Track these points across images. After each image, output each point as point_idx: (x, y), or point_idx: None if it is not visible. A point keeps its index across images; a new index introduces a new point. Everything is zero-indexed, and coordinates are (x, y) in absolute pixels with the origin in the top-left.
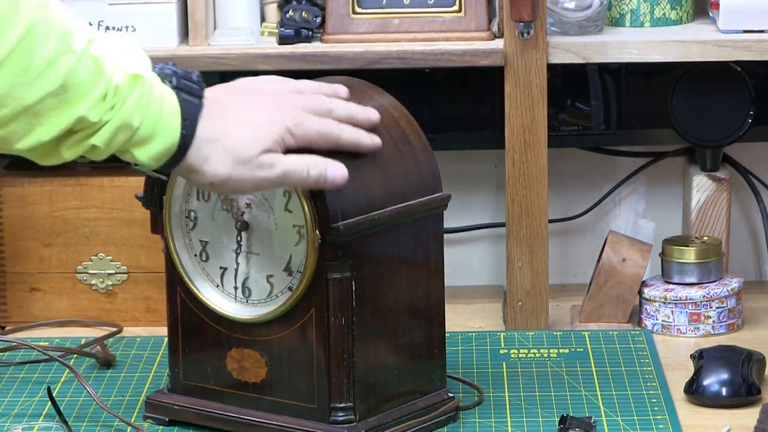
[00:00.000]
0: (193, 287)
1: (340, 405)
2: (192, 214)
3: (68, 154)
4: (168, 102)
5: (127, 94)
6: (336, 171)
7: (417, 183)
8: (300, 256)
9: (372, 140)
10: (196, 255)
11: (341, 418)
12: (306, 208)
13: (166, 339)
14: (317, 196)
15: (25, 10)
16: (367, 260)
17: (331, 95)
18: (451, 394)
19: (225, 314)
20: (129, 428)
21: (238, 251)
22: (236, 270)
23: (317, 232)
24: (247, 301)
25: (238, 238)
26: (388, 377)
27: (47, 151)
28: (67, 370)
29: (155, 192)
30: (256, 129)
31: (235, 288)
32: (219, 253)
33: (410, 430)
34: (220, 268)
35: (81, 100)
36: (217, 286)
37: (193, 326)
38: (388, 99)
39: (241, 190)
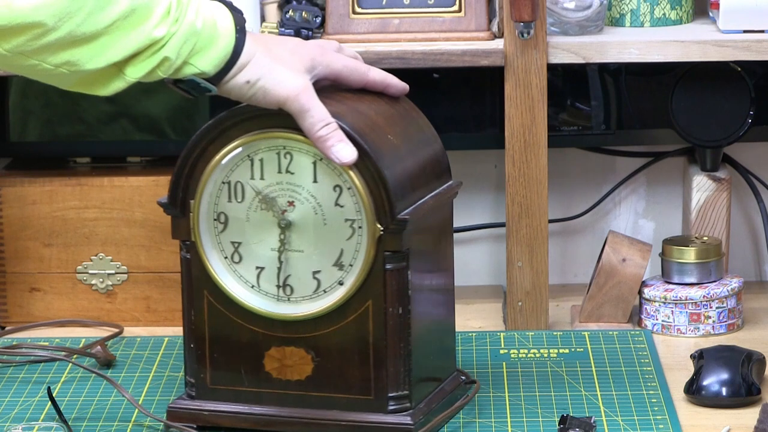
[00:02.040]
0: (226, 290)
1: (397, 394)
2: (222, 216)
3: (135, 71)
4: (219, 7)
5: (187, 3)
6: (343, 150)
7: (439, 170)
8: (351, 249)
9: (401, 83)
10: (226, 257)
11: (398, 407)
12: (366, 202)
13: (167, 339)
14: (380, 189)
15: None
16: (414, 249)
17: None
18: (463, 377)
19: (264, 314)
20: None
21: (282, 249)
22: (279, 269)
23: (378, 224)
24: (288, 299)
25: (282, 236)
26: (427, 362)
27: (112, 73)
28: (67, 370)
29: (179, 197)
30: (290, 48)
31: (278, 287)
32: (255, 253)
33: (448, 411)
34: (257, 268)
35: (147, 20)
36: (252, 286)
37: (223, 330)
38: None
39: (270, 101)
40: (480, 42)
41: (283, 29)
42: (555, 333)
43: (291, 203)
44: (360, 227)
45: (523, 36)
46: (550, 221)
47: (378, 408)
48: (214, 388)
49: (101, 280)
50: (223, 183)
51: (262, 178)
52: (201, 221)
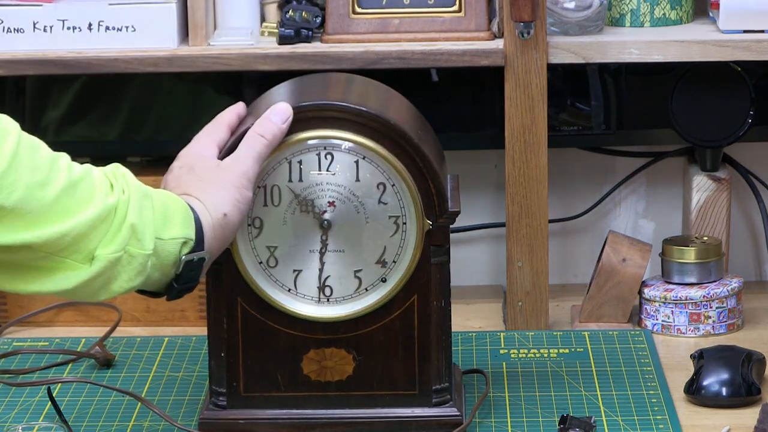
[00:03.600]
0: (263, 295)
1: (439, 387)
2: (257, 221)
3: (106, 250)
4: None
5: (123, 176)
6: (277, 110)
7: (444, 161)
8: (395, 246)
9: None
10: (261, 262)
11: (441, 400)
12: (415, 198)
13: (167, 339)
14: (428, 183)
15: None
16: (449, 243)
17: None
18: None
19: (304, 317)
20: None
21: (323, 250)
22: (320, 270)
23: (427, 219)
24: (328, 300)
25: (323, 237)
26: (452, 352)
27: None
28: (67, 369)
29: None
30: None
31: (318, 288)
32: (292, 257)
33: (478, 401)
34: (294, 271)
35: (93, 191)
36: (290, 290)
37: (259, 336)
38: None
39: (245, 202)
40: (480, 42)
41: (283, 29)
42: (555, 333)
43: (331, 203)
44: (405, 223)
45: (523, 36)
46: (550, 221)
47: (422, 402)
48: (248, 395)
49: None
50: (259, 187)
51: (300, 180)
52: None
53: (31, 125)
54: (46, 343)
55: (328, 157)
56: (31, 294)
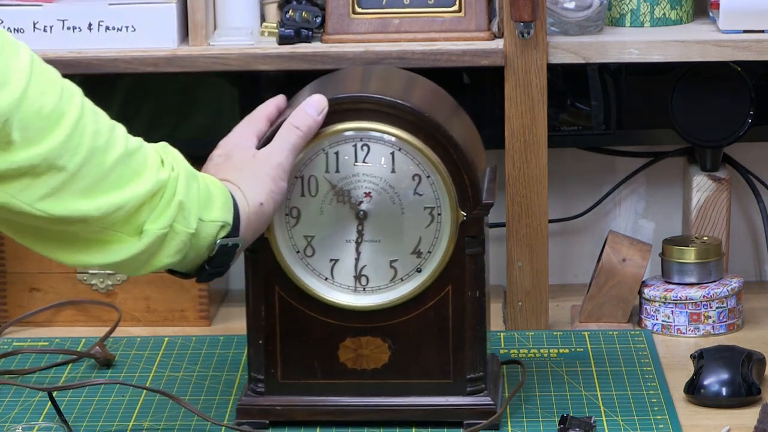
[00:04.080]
0: (300, 283)
1: (474, 376)
2: (295, 210)
3: (155, 225)
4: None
5: (171, 153)
6: (313, 101)
7: (483, 154)
8: (430, 237)
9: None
10: (299, 251)
11: (475, 389)
12: (449, 190)
13: (167, 339)
14: (462, 176)
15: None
16: (484, 234)
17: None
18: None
19: (340, 305)
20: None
21: (359, 240)
22: (356, 260)
23: (461, 210)
24: (364, 290)
25: (359, 227)
26: (487, 344)
27: (128, 234)
28: (67, 369)
29: None
30: (239, 161)
31: (354, 278)
32: (329, 246)
33: (513, 391)
34: (331, 260)
35: (146, 164)
36: (326, 279)
37: (296, 325)
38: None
39: (280, 192)
40: (480, 42)
41: (283, 29)
42: (555, 333)
43: (368, 194)
44: (439, 214)
45: (523, 36)
46: (550, 221)
47: (456, 390)
48: (285, 382)
49: (101, 280)
50: (296, 178)
51: (337, 171)
52: (275, 217)
53: None
54: (46, 343)
55: (365, 148)
56: (78, 265)
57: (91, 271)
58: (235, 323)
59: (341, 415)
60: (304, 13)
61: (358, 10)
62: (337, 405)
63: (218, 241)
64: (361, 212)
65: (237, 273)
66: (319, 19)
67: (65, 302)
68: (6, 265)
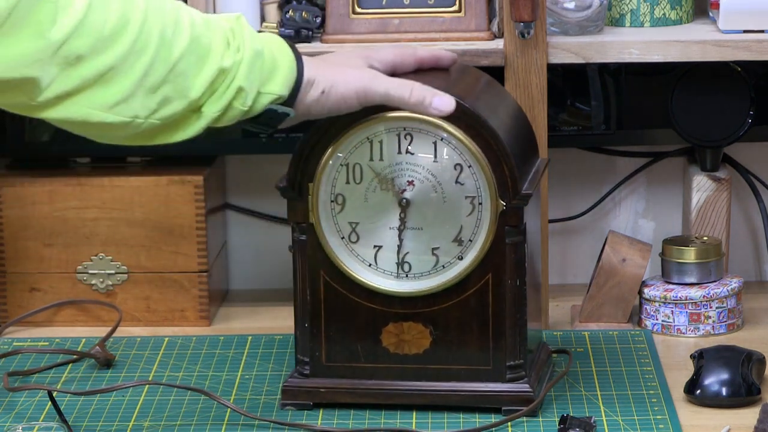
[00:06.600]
0: (344, 269)
1: (514, 363)
2: (340, 197)
3: (213, 107)
4: (263, 33)
5: (241, 31)
6: (443, 100)
7: (533, 144)
8: (471, 225)
9: (449, 54)
10: (343, 237)
11: (515, 376)
12: (489, 179)
13: (167, 339)
14: (502, 166)
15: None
16: (526, 223)
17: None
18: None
19: (384, 291)
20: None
21: (402, 228)
22: (399, 247)
23: (500, 200)
24: (407, 276)
25: (402, 215)
26: (530, 332)
27: (189, 116)
28: (68, 369)
29: (297, 180)
30: (342, 55)
31: (397, 264)
32: (373, 233)
33: (554, 380)
34: (374, 246)
35: (210, 51)
36: (370, 265)
37: (341, 309)
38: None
39: (350, 99)
40: (480, 42)
41: (283, 29)
42: (555, 333)
43: (411, 183)
44: (480, 203)
45: (523, 36)
46: (550, 221)
47: (496, 377)
48: (330, 365)
49: (101, 280)
50: (342, 165)
51: (381, 160)
52: (320, 203)
53: (31, 125)
54: (46, 343)
55: (408, 137)
56: (160, 143)
57: (91, 271)
58: (235, 323)
59: (383, 398)
60: (304, 13)
61: (358, 10)
62: (379, 388)
63: (269, 107)
64: (404, 200)
65: (237, 273)
66: (319, 19)
67: (65, 302)
68: (6, 265)
